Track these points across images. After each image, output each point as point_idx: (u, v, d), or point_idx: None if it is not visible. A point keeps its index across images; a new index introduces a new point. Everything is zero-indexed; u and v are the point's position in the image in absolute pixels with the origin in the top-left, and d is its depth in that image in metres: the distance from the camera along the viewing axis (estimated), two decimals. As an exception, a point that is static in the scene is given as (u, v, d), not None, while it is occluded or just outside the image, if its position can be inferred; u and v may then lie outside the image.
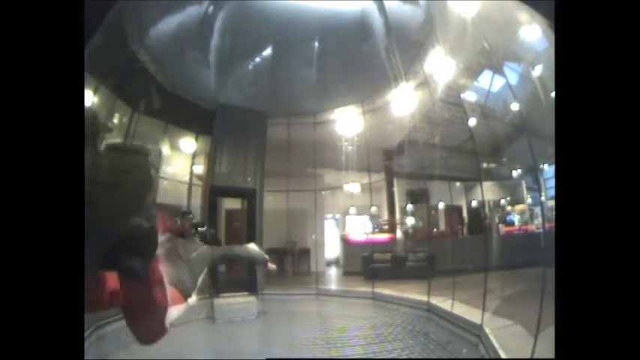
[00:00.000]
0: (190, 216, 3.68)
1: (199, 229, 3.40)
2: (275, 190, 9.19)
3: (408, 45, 7.18)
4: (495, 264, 6.09)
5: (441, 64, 7.07)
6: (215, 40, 7.35)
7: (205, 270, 2.66)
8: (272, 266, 3.81)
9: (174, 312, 1.83)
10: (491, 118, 8.69)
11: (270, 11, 6.88)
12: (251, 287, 7.63)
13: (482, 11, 5.81)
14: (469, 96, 8.31)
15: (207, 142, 8.43)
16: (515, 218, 10.66)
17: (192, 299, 2.17)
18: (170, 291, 1.61)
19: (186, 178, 8.62)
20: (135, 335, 1.30)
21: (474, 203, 10.38)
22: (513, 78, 7.32)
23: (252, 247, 3.52)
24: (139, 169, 0.73)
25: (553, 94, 2.07)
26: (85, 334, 4.42)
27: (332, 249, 11.41)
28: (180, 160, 8.75)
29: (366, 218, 10.91)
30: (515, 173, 10.63)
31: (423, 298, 6.17)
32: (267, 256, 3.66)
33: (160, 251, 1.13)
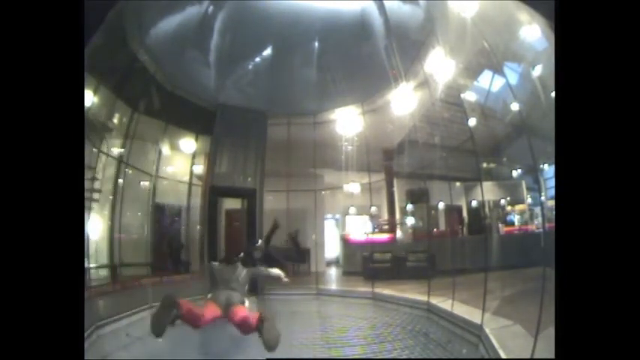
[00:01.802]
0: (258, 245, 4.82)
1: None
2: (275, 190, 9.18)
3: (408, 45, 7.17)
4: (495, 264, 6.08)
5: (441, 64, 7.06)
6: (215, 40, 7.34)
7: (247, 285, 4.31)
8: (285, 280, 4.93)
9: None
10: (491, 118, 8.68)
11: (270, 11, 6.87)
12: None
13: (482, 11, 5.80)
14: (469, 96, 8.31)
15: (207, 142, 8.43)
16: (515, 218, 10.66)
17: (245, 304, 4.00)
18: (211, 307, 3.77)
19: (186, 178, 8.62)
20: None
21: (474, 203, 10.39)
22: (513, 78, 7.31)
23: (274, 270, 4.79)
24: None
25: (553, 94, 2.06)
26: (85, 334, 4.42)
27: (332, 249, 11.41)
28: (180, 160, 8.76)
29: (366, 218, 10.92)
30: (515, 173, 10.64)
31: (423, 298, 6.16)
32: (282, 273, 4.78)
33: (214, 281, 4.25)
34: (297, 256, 6.09)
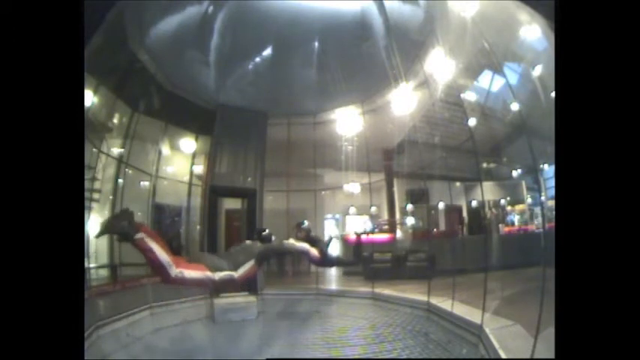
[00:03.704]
0: (305, 226, 4.44)
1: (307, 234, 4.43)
2: (275, 190, 9.18)
3: (408, 45, 7.17)
4: (495, 264, 6.08)
5: (441, 64, 7.06)
6: (215, 40, 7.33)
7: (251, 261, 3.51)
8: (315, 253, 4.03)
9: (193, 274, 3.18)
10: (491, 118, 8.68)
11: (270, 11, 6.86)
12: (251, 287, 7.62)
13: (482, 11, 5.80)
14: (469, 96, 8.31)
15: (207, 142, 8.42)
16: (515, 218, 10.66)
17: (221, 274, 3.34)
18: (195, 265, 3.27)
19: (186, 178, 8.61)
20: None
21: (474, 203, 10.38)
22: (513, 78, 7.31)
23: (291, 241, 3.97)
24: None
25: (553, 94, 2.06)
26: (85, 334, 4.42)
27: (332, 249, 11.38)
28: (180, 160, 8.75)
29: (366, 218, 10.92)
30: (515, 173, 10.64)
31: (423, 298, 6.16)
32: (306, 246, 3.94)
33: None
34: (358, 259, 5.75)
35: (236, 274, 3.39)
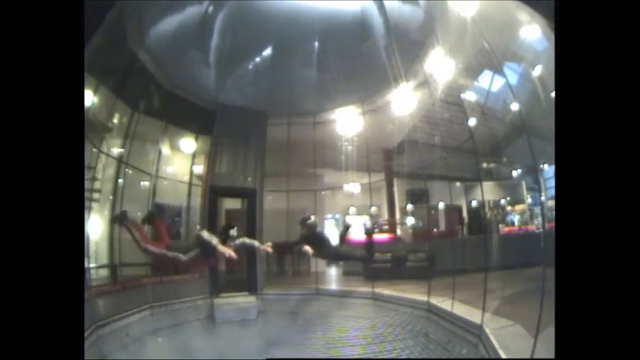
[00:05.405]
0: (309, 222, 4.49)
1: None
2: (275, 190, 9.18)
3: (408, 45, 7.16)
4: (495, 264, 6.08)
5: (441, 64, 7.06)
6: (215, 40, 7.33)
7: (197, 249, 4.14)
8: (227, 252, 4.08)
9: (153, 249, 4.10)
10: (491, 118, 8.69)
11: (270, 11, 6.86)
12: (251, 287, 7.62)
13: (482, 11, 5.80)
14: (469, 96, 8.31)
15: (207, 142, 8.41)
16: (515, 218, 10.67)
17: (173, 253, 4.15)
18: (161, 245, 4.23)
19: (186, 178, 8.61)
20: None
21: (474, 203, 10.39)
22: (513, 78, 7.31)
23: (203, 232, 4.35)
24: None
25: (553, 94, 2.06)
26: (85, 334, 4.42)
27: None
28: (180, 160, 8.75)
29: (366, 218, 10.91)
30: (515, 173, 10.65)
31: (423, 298, 6.16)
32: (213, 239, 4.06)
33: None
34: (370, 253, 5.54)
35: (184, 257, 4.14)
